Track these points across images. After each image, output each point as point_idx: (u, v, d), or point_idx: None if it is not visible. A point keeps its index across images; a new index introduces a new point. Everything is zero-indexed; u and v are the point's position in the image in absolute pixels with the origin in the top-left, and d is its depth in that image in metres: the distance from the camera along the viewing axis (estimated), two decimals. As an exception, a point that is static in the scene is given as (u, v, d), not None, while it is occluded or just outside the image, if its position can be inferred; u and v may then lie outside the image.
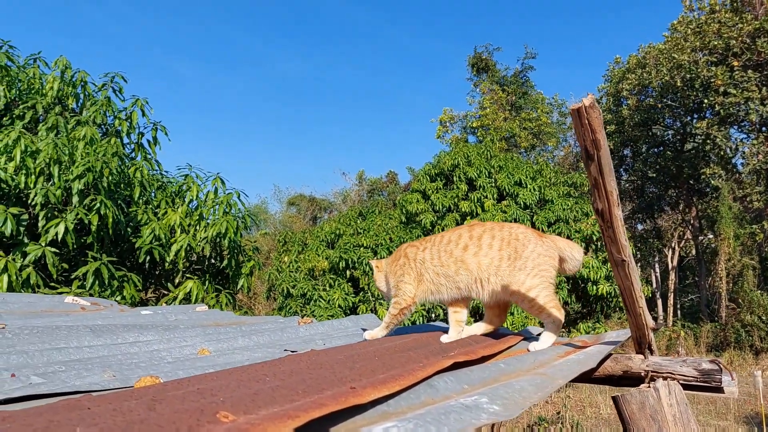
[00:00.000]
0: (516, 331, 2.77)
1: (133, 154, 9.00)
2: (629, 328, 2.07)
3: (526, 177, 16.57)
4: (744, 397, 12.96)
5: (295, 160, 77.30)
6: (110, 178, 7.36)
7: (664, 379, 2.02)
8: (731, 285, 25.46)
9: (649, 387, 1.98)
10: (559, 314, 2.25)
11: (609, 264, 12.86)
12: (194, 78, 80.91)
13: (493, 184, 16.58)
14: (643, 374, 2.07)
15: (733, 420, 11.13)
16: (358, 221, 17.10)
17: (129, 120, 8.72)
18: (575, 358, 1.94)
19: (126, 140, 8.89)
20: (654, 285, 31.27)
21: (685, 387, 2.05)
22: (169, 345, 2.45)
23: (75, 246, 6.99)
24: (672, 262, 31.64)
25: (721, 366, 2.00)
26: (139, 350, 2.34)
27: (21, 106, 8.06)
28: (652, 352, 2.09)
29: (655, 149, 30.50)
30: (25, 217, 6.87)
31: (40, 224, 6.83)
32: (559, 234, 15.66)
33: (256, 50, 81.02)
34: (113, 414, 1.06)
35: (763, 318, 21.30)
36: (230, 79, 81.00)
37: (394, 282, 2.55)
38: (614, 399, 2.04)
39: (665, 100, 27.71)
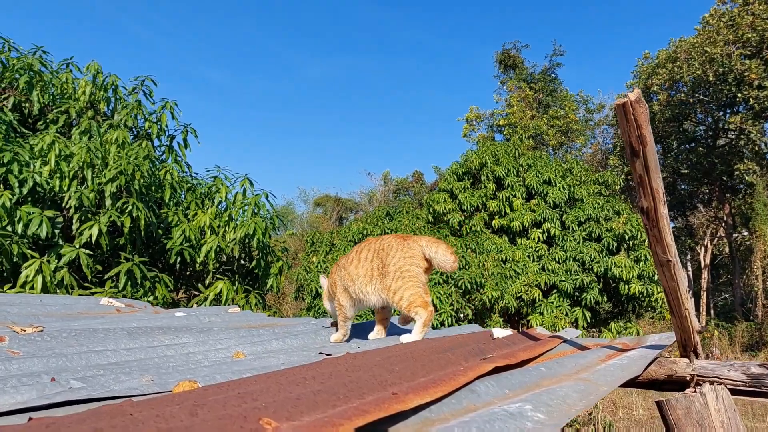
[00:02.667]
0: (552, 333, 2.71)
1: (163, 157, 9.11)
2: (674, 331, 2.00)
3: (556, 175, 16.36)
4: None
5: (321, 162, 77.63)
6: (142, 180, 7.46)
7: (711, 383, 1.95)
8: (767, 283, 24.84)
9: (695, 392, 1.91)
10: (425, 311, 2.43)
11: (641, 263, 12.65)
12: (222, 83, 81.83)
13: (522, 183, 16.41)
14: (688, 378, 2.00)
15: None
16: (385, 221, 17.08)
17: (159, 122, 8.83)
18: (618, 363, 1.88)
19: (156, 143, 9.02)
20: (686, 283, 30.69)
21: (733, 392, 1.98)
22: (204, 348, 2.46)
23: (108, 248, 7.10)
24: (705, 260, 31.05)
25: (772, 370, 1.92)
26: (175, 353, 2.35)
27: (54, 111, 8.21)
28: (697, 356, 2.02)
29: (687, 145, 29.94)
30: (60, 219, 7.00)
31: (74, 226, 6.95)
32: (590, 233, 15.45)
33: (283, 54, 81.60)
34: (156, 420, 1.05)
35: (802, 317, 20.74)
36: (257, 84, 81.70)
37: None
38: (658, 404, 1.98)
39: (697, 94, 27.18)
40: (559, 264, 15.04)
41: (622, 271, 14.54)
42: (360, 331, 3.04)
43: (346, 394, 1.28)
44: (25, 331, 2.62)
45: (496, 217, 16.11)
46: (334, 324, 3.01)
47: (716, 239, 30.70)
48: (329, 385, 1.37)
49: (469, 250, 14.58)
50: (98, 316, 3.27)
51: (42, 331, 2.58)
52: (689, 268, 33.15)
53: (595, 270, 14.81)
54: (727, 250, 31.04)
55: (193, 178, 9.36)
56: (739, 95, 24.60)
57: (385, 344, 2.52)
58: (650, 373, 2.10)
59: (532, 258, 15.29)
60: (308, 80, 79.40)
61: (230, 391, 1.36)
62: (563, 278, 14.59)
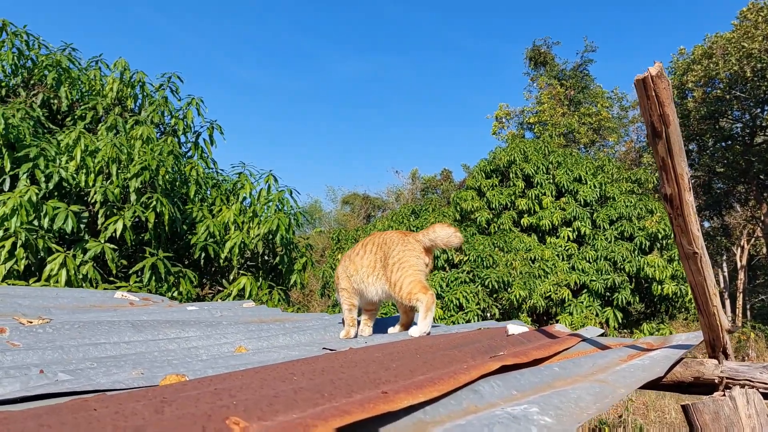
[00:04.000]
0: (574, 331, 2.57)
1: (189, 153, 9.15)
2: (701, 330, 1.85)
3: (586, 173, 16.02)
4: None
5: (349, 160, 77.74)
6: (166, 176, 7.48)
7: (742, 386, 1.79)
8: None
9: (724, 395, 1.76)
10: (424, 295, 2.45)
11: (675, 263, 12.28)
12: (251, 81, 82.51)
13: (551, 181, 16.12)
14: (717, 381, 1.85)
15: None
16: (411, 219, 16.95)
17: (184, 119, 8.87)
18: (639, 363, 1.74)
19: (182, 139, 9.05)
20: (722, 285, 29.85)
21: (766, 396, 1.82)
22: (208, 342, 2.39)
23: (133, 242, 7.13)
24: (741, 260, 30.18)
25: (811, 374, 1.76)
26: (177, 347, 2.28)
27: (82, 107, 8.30)
28: (727, 357, 1.87)
29: (723, 143, 29.10)
30: (86, 214, 7.05)
31: (99, 221, 7.00)
32: (622, 232, 15.10)
33: (312, 52, 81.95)
34: (115, 417, 0.96)
35: None
36: (287, 82, 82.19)
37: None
38: (684, 408, 1.83)
39: (734, 91, 26.39)
40: (590, 263, 14.73)
41: (655, 270, 14.18)
42: (381, 326, 2.94)
43: (331, 392, 1.18)
44: (31, 323, 2.58)
45: (525, 215, 15.85)
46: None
47: (753, 239, 29.80)
48: (317, 383, 1.27)
49: (496, 249, 14.37)
50: (110, 309, 3.23)
51: (49, 323, 2.54)
52: (725, 269, 32.27)
53: (627, 270, 14.46)
54: (764, 250, 30.12)
55: (218, 174, 9.38)
56: (779, 91, 23.81)
57: (395, 339, 2.42)
58: (675, 374, 1.95)
59: (561, 257, 15.01)
60: (337, 79, 79.57)
61: (210, 386, 1.27)
62: (594, 278, 14.29)
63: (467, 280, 13.45)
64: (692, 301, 14.83)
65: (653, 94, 1.34)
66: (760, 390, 1.79)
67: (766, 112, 25.39)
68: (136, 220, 7.22)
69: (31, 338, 2.24)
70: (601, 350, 2.01)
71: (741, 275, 30.14)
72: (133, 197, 7.14)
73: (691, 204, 1.49)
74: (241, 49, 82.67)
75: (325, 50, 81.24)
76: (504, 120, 33.92)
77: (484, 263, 13.48)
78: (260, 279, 8.38)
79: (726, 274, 32.09)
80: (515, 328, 2.31)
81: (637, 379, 1.57)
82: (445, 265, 14.04)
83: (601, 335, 2.50)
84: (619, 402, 12.47)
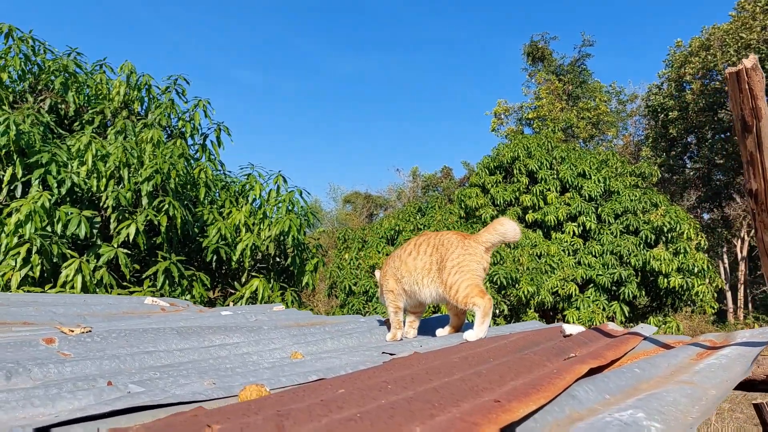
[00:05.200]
0: (589, 326, 2.54)
1: (197, 155, 9.10)
2: (773, 327, 1.83)
3: (590, 168, 16.00)
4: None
5: (350, 159, 77.73)
6: (177, 179, 7.43)
7: (819, 385, 1.77)
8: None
9: (801, 393, 1.74)
10: (482, 300, 2.40)
11: (680, 256, 12.29)
12: (253, 83, 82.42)
13: (555, 176, 16.09)
14: (792, 379, 1.82)
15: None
16: (417, 217, 16.91)
17: (192, 121, 8.82)
18: (716, 363, 1.72)
19: (190, 141, 9.00)
20: (723, 277, 29.92)
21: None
22: (258, 348, 2.35)
23: (146, 247, 7.08)
24: (742, 252, 30.31)
25: None
26: (229, 353, 2.24)
27: (90, 112, 8.24)
28: (801, 354, 1.85)
29: (722, 135, 29.15)
30: (98, 219, 7.00)
31: (111, 226, 6.95)
32: (627, 226, 15.09)
33: (312, 53, 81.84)
34: (242, 434, 0.93)
35: None
36: (287, 83, 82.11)
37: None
38: (757, 407, 1.80)
39: (733, 82, 26.38)
40: (596, 258, 14.72)
41: (661, 264, 14.18)
42: (421, 328, 2.90)
43: (440, 402, 1.15)
44: (73, 332, 2.54)
45: (530, 211, 15.83)
46: (389, 322, 2.90)
47: (753, 231, 29.83)
48: (419, 392, 1.24)
49: (503, 245, 14.33)
50: (144, 316, 3.19)
51: (90, 331, 2.50)
52: (726, 261, 32.36)
53: (632, 263, 14.46)
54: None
55: (226, 176, 9.34)
56: (778, 81, 23.83)
57: (449, 342, 2.38)
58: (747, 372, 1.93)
59: (567, 252, 14.99)
60: (336, 78, 79.50)
61: (308, 399, 1.23)
62: (600, 272, 14.28)
63: (475, 277, 13.42)
64: (699, 293, 14.85)
65: (746, 87, 1.31)
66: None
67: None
68: (148, 223, 7.17)
69: (81, 348, 2.20)
70: (665, 349, 1.99)
71: (742, 266, 30.24)
72: (145, 201, 7.09)
73: (776, 200, 1.46)
74: (241, 52, 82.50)
75: (323, 51, 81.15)
76: (503, 116, 33.91)
77: (492, 260, 13.46)
78: (272, 281, 8.35)
79: (727, 265, 32.18)
80: (572, 328, 2.28)
81: (723, 380, 1.54)
82: (452, 263, 14.02)
83: (655, 333, 2.48)
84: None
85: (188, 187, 7.98)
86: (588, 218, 15.27)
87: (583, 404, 1.34)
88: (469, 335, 2.41)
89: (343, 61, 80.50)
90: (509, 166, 16.69)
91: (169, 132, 9.05)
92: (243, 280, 8.36)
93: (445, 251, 2.55)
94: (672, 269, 14.25)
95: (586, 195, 15.60)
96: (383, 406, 1.08)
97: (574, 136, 30.96)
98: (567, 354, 1.79)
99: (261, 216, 8.35)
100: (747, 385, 1.96)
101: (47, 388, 1.57)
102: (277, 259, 8.74)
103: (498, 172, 16.87)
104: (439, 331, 2.77)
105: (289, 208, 8.47)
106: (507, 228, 2.58)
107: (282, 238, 8.23)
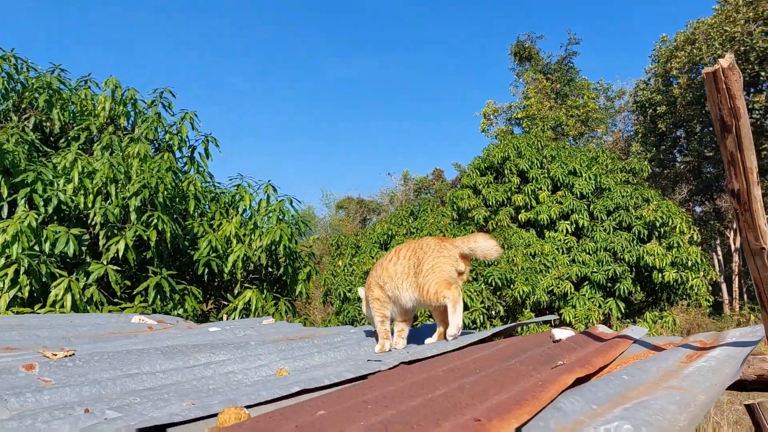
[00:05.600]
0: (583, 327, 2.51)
1: (185, 168, 9.04)
2: (763, 325, 1.80)
3: (581, 165, 16.02)
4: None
5: (342, 165, 77.69)
6: (165, 193, 7.38)
7: (811, 383, 1.75)
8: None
9: (793, 393, 1.72)
10: (449, 291, 2.44)
11: (674, 250, 12.34)
12: (244, 88, 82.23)
13: (546, 175, 16.10)
14: (783, 378, 1.80)
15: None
16: (410, 220, 16.88)
17: (179, 134, 8.77)
18: (705, 365, 1.69)
19: (178, 154, 8.95)
20: (717, 269, 30.01)
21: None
22: (244, 365, 2.31)
23: (136, 262, 7.03)
24: (735, 243, 30.41)
25: None
26: (213, 372, 2.20)
27: (75, 128, 8.18)
28: (791, 353, 1.82)
29: (710, 128, 29.26)
30: (86, 237, 6.94)
31: (100, 243, 6.89)
32: (620, 222, 15.11)
33: (302, 57, 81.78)
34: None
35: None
36: (278, 88, 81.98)
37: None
38: (749, 408, 1.78)
39: (720, 75, 26.52)
40: (590, 255, 14.73)
41: (654, 259, 14.20)
42: (411, 337, 2.88)
43: (419, 423, 1.11)
44: (56, 355, 2.50)
45: (522, 210, 15.83)
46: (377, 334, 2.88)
47: (738, 230, 29.95)
48: (401, 411, 1.20)
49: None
50: (131, 336, 3.14)
51: (73, 355, 2.45)
52: (719, 253, 32.46)
53: (626, 259, 14.48)
54: (759, 232, 30.24)
55: (216, 187, 9.28)
56: (763, 74, 23.98)
57: (437, 350, 2.35)
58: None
59: (561, 251, 14.99)
60: (328, 84, 79.49)
61: (285, 425, 1.19)
62: (595, 269, 14.29)
63: (470, 279, 13.39)
64: (693, 287, 14.88)
65: (723, 87, 1.29)
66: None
67: (752, 95, 25.55)
68: (138, 239, 7.11)
69: (62, 373, 2.15)
70: (654, 351, 1.96)
71: (735, 258, 30.36)
72: (133, 216, 7.03)
73: (758, 199, 1.44)
74: (231, 59, 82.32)
75: (319, 52, 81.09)
76: (492, 117, 34.00)
77: (486, 262, 13.43)
78: (265, 291, 8.30)
79: (721, 257, 32.27)
80: (561, 332, 2.25)
81: (712, 384, 1.51)
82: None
83: (646, 335, 2.45)
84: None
85: (177, 200, 7.93)
86: (580, 216, 15.28)
87: (569, 416, 1.31)
88: (450, 332, 2.45)
89: (332, 64, 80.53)
90: (500, 167, 16.70)
91: (156, 146, 8.99)
92: (236, 291, 8.31)
93: (423, 254, 2.58)
94: (666, 264, 14.27)
95: (578, 193, 15.62)
96: (361, 427, 1.05)
97: (564, 134, 31.03)
98: (555, 361, 1.76)
99: (252, 226, 8.31)
100: (738, 386, 1.93)
101: (22, 419, 1.53)
102: (270, 269, 8.70)
103: (489, 172, 16.88)
104: (428, 340, 2.75)
105: (280, 217, 8.43)
106: (479, 245, 2.63)
107: (273, 247, 8.19)
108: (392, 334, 2.74)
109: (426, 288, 2.52)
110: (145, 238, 6.98)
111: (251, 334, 3.26)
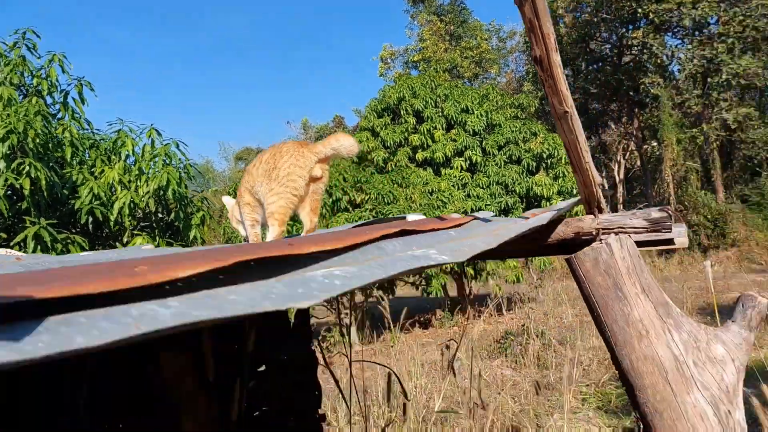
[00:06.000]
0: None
1: (60, 115, 8.49)
2: (578, 188, 2.03)
3: (473, 103, 16.48)
4: (696, 291, 13.58)
5: (239, 116, 75.42)
6: (37, 139, 6.94)
7: (616, 234, 2.00)
8: (677, 189, 26.38)
9: (600, 243, 1.96)
10: (276, 230, 2.43)
11: (560, 180, 13.08)
12: (126, 41, 77.06)
13: (441, 114, 16.46)
14: (594, 233, 2.04)
15: (687, 312, 11.68)
16: (309, 166, 16.81)
17: (48, 78, 8.20)
18: (521, 221, 1.90)
19: (49, 100, 8.38)
20: (604, 201, 32.13)
21: (639, 244, 2.03)
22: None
23: (9, 213, 6.64)
24: (619, 175, 32.50)
25: (670, 213, 1.99)
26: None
27: (-74, 73, 7.47)
28: (601, 211, 2.06)
29: (594, 65, 30.82)
30: (-50, 188, 6.46)
31: (-33, 194, 6.44)
32: (510, 156, 15.80)
33: (190, 9, 77.38)
34: None
35: (708, 217, 22.21)
36: (165, 41, 77.50)
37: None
38: (568, 260, 2.01)
39: (600, 13, 27.81)
40: (483, 189, 15.37)
41: (543, 189, 15.06)
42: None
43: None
44: None
45: (419, 150, 16.17)
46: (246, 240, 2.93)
47: (628, 154, 32.13)
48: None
49: (395, 185, 14.62)
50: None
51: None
52: (606, 185, 34.68)
53: (517, 191, 15.25)
54: (638, 163, 32.60)
55: (95, 134, 8.81)
56: (640, 10, 25.34)
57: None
58: (559, 233, 2.13)
59: (456, 186, 15.53)
60: (215, 33, 75.99)
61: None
62: (488, 202, 14.96)
63: (371, 218, 13.64)
64: (578, 213, 15.99)
65: (513, -50, 1.41)
66: (631, 234, 2.01)
67: (630, 31, 26.99)
68: (10, 188, 6.70)
69: None
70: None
71: (620, 188, 32.55)
72: (2, 164, 6.60)
73: (558, 64, 1.60)
74: (112, 9, 76.61)
75: (201, 5, 77.04)
76: (389, 60, 34.00)
77: (385, 200, 13.72)
78: (157, 238, 8.10)
79: (606, 188, 34.48)
80: (413, 216, 2.41)
81: (521, 226, 1.71)
82: (348, 207, 14.13)
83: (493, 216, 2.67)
84: (522, 313, 13.36)
85: (51, 147, 7.48)
86: (474, 152, 15.82)
87: (388, 253, 1.43)
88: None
89: (224, 17, 76.95)
90: (396, 107, 16.88)
91: (24, 92, 8.37)
92: (125, 240, 8.05)
93: (279, 158, 2.59)
94: (553, 193, 15.19)
95: (471, 130, 16.11)
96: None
97: (459, 75, 31.59)
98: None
99: (137, 172, 8.02)
100: (561, 247, 2.17)
101: None
102: (160, 215, 8.47)
103: (386, 114, 17.03)
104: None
105: (166, 161, 8.17)
106: (342, 143, 2.64)
107: (161, 193, 7.96)
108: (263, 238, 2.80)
109: (271, 200, 2.54)
110: (18, 186, 6.59)
111: (124, 254, 3.23)
